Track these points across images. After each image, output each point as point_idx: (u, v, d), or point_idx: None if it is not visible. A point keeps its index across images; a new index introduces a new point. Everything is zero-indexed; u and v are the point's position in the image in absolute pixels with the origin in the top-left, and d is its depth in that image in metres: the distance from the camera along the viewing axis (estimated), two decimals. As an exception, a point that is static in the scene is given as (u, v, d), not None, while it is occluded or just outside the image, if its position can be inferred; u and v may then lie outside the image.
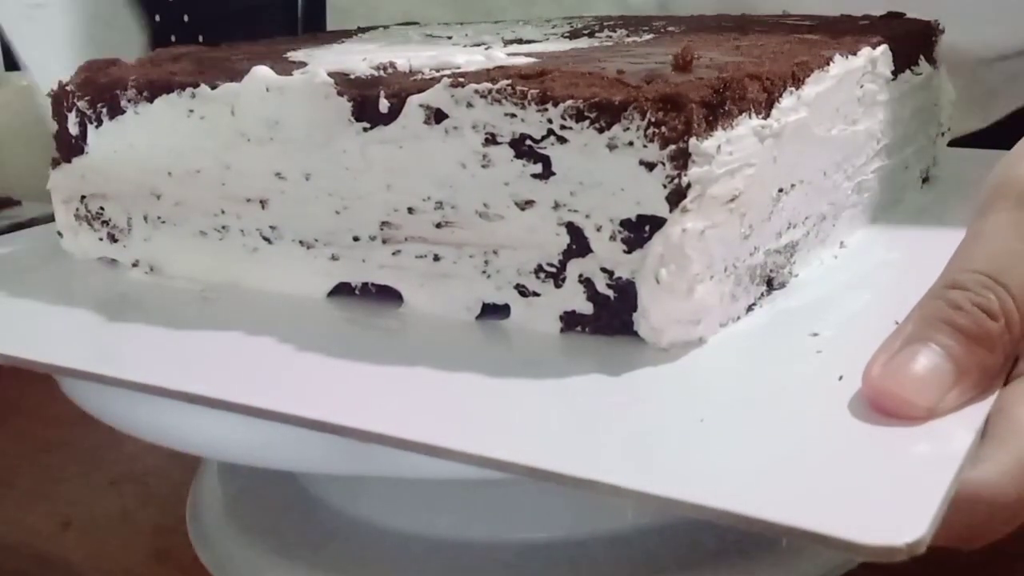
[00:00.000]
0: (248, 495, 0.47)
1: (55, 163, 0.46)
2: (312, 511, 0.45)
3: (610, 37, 0.48)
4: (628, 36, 0.48)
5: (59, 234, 0.47)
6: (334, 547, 0.43)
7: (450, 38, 0.50)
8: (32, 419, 0.56)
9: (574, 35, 0.49)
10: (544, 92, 0.33)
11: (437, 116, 0.35)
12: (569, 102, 0.33)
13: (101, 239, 0.46)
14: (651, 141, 0.32)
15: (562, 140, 0.34)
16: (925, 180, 0.52)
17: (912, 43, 0.49)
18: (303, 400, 0.32)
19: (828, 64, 0.40)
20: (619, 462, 0.28)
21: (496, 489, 0.42)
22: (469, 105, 0.35)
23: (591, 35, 0.49)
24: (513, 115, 0.34)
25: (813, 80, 0.39)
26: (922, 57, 0.49)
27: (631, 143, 0.33)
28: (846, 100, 0.42)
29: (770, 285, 0.38)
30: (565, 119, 0.33)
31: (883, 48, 0.44)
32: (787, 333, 0.35)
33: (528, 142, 0.34)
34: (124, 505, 0.48)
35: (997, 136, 0.54)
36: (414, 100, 0.36)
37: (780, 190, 0.37)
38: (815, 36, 0.44)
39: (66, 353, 0.37)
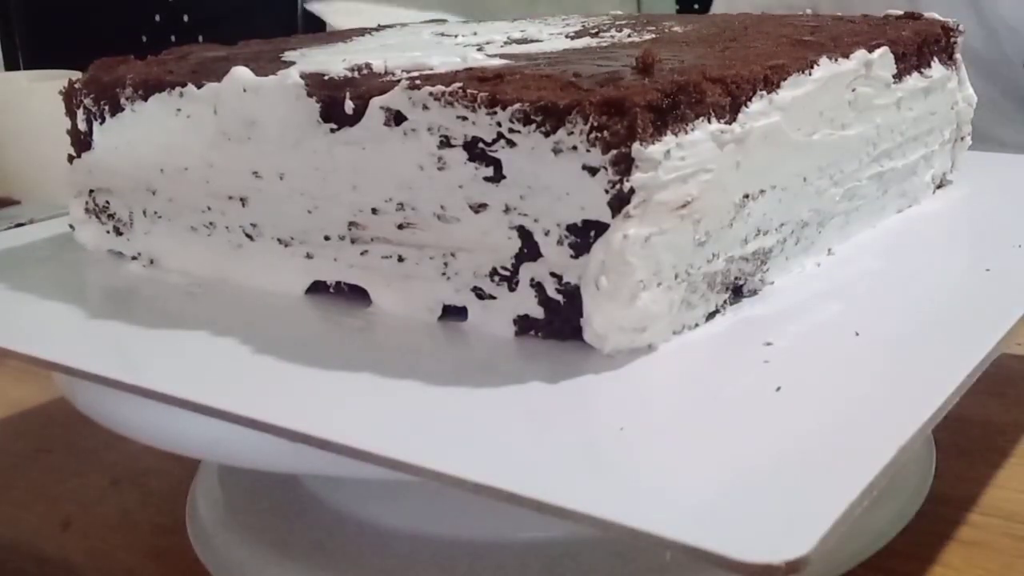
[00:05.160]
0: (248, 495, 0.48)
1: (71, 159, 0.48)
2: (312, 511, 0.46)
3: (612, 37, 0.47)
4: (629, 36, 0.47)
5: (71, 227, 0.48)
6: (334, 547, 0.43)
7: (455, 36, 0.50)
8: (32, 419, 0.56)
9: (577, 35, 0.49)
10: (493, 95, 0.33)
11: (397, 118, 0.36)
12: (516, 105, 0.33)
13: (108, 232, 0.47)
14: (593, 146, 0.32)
15: (511, 143, 0.33)
16: (940, 186, 0.50)
17: (924, 45, 0.47)
18: (254, 402, 0.32)
19: (811, 67, 0.39)
20: (529, 472, 0.27)
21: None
22: (425, 107, 0.35)
23: (595, 35, 0.49)
24: (465, 118, 0.34)
25: (790, 83, 0.38)
26: (936, 59, 0.48)
27: (575, 147, 0.32)
28: (833, 104, 0.41)
29: (739, 292, 0.37)
30: (513, 122, 0.33)
31: (882, 51, 0.43)
32: (741, 342, 0.35)
33: (480, 145, 0.34)
34: (124, 505, 0.48)
35: None
36: (375, 102, 0.36)
37: (746, 196, 0.36)
38: (813, 38, 0.43)
39: (47, 347, 0.38)
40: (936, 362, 0.32)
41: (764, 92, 0.37)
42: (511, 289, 0.35)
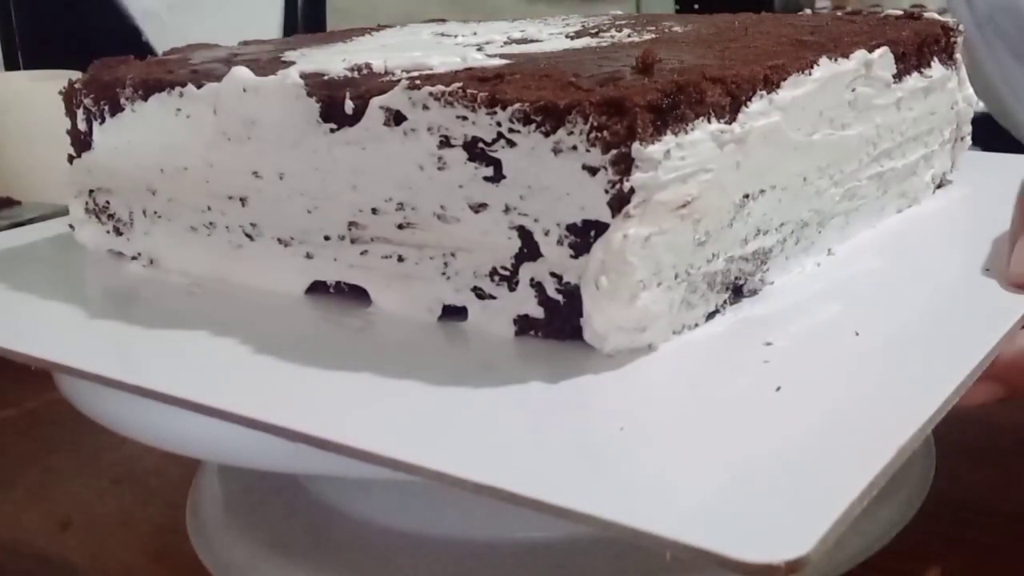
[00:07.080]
0: (248, 495, 0.48)
1: (71, 159, 0.48)
2: (312, 511, 0.46)
3: (612, 37, 0.47)
4: (629, 36, 0.47)
5: (71, 227, 0.48)
6: (334, 547, 0.43)
7: (455, 36, 0.50)
8: (32, 419, 0.56)
9: (577, 35, 0.49)
10: (493, 95, 0.33)
11: (396, 118, 0.36)
12: (516, 105, 0.33)
13: (108, 232, 0.47)
14: (593, 145, 0.32)
15: (511, 143, 0.33)
16: (939, 186, 0.50)
17: (924, 45, 0.47)
18: (254, 402, 0.32)
19: (811, 67, 0.39)
20: (529, 472, 0.27)
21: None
22: (425, 107, 0.35)
23: (595, 35, 0.49)
24: (465, 118, 0.34)
25: (790, 84, 0.38)
26: (936, 59, 0.48)
27: (575, 147, 0.32)
28: (833, 104, 0.41)
29: (739, 292, 0.37)
30: (513, 122, 0.33)
31: (882, 51, 0.43)
32: (741, 342, 0.35)
33: (480, 145, 0.34)
34: (124, 505, 0.49)
35: None
36: (375, 102, 0.36)
37: (746, 196, 0.36)
38: (813, 38, 0.43)
39: (47, 347, 0.38)
40: (936, 362, 0.32)
41: (764, 92, 0.37)
42: (511, 289, 0.35)
